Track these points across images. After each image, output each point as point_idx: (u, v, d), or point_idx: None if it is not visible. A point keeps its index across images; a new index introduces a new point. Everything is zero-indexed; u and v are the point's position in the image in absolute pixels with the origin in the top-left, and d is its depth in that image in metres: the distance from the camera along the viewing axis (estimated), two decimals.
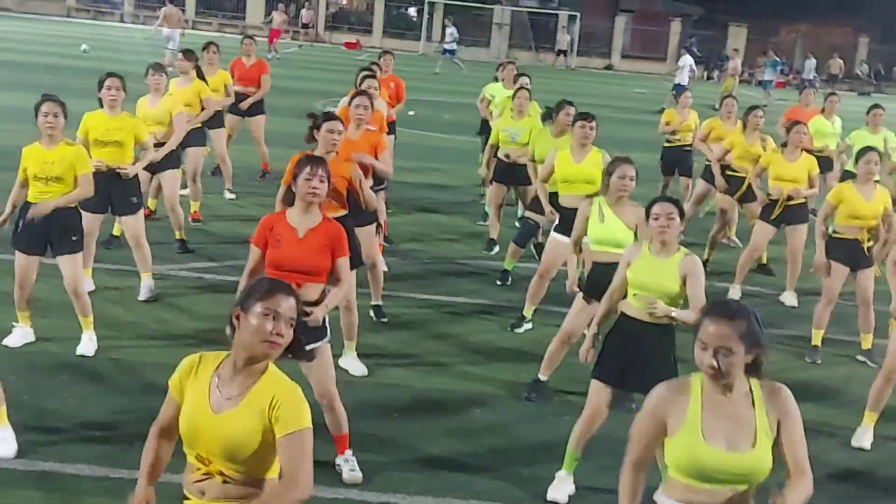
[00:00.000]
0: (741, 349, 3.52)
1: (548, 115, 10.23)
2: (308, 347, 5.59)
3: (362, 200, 7.18)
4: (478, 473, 6.18)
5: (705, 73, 50.73)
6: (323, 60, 37.65)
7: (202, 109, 11.17)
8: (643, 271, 5.60)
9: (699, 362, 3.56)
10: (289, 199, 5.77)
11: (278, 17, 38.62)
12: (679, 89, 14.37)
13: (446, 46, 35.91)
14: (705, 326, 3.55)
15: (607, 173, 6.83)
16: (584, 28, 52.04)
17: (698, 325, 3.60)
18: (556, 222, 8.36)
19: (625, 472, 3.78)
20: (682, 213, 5.61)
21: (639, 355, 5.62)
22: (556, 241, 8.33)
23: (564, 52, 48.82)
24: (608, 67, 51.69)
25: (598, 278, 6.56)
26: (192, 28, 45.20)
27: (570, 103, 9.60)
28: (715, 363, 3.50)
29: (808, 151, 13.55)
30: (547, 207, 8.67)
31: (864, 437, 6.98)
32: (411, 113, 22.19)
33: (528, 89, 11.31)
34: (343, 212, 7.08)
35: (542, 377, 7.35)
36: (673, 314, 5.54)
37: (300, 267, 5.51)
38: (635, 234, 6.67)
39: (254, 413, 3.47)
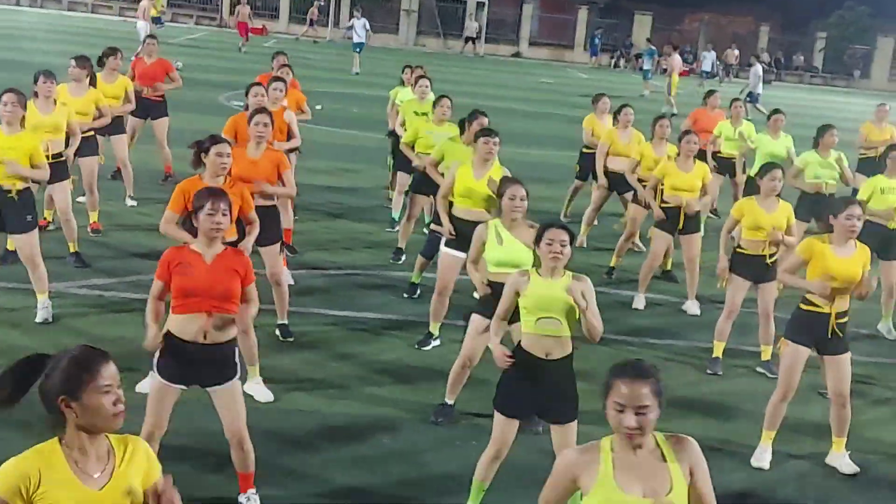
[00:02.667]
0: (655, 405, 3.62)
1: (462, 125, 10.16)
2: (220, 386, 5.55)
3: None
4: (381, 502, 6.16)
5: (612, 62, 51.36)
6: (227, 48, 37.03)
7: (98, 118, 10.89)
8: (539, 293, 5.63)
9: (616, 424, 3.63)
10: (193, 231, 5.68)
11: (243, 9, 37.82)
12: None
13: (356, 40, 35.01)
14: (618, 388, 3.62)
15: (499, 195, 6.90)
16: (492, 15, 52.21)
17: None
18: (449, 236, 8.38)
19: None
20: (573, 240, 5.69)
21: (541, 387, 5.65)
22: (449, 256, 8.33)
23: (473, 40, 48.92)
24: (516, 55, 51.93)
25: (499, 299, 6.54)
26: (171, 20, 44.39)
27: (483, 114, 9.58)
28: (634, 423, 3.58)
29: (716, 154, 13.89)
30: (447, 226, 8.47)
31: (762, 457, 7.11)
32: (318, 107, 21.97)
33: (450, 98, 11.21)
34: (235, 236, 7.00)
35: (449, 401, 7.34)
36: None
37: (212, 292, 5.46)
38: (534, 253, 6.71)
39: (129, 471, 3.48)
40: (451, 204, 8.56)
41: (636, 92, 33.82)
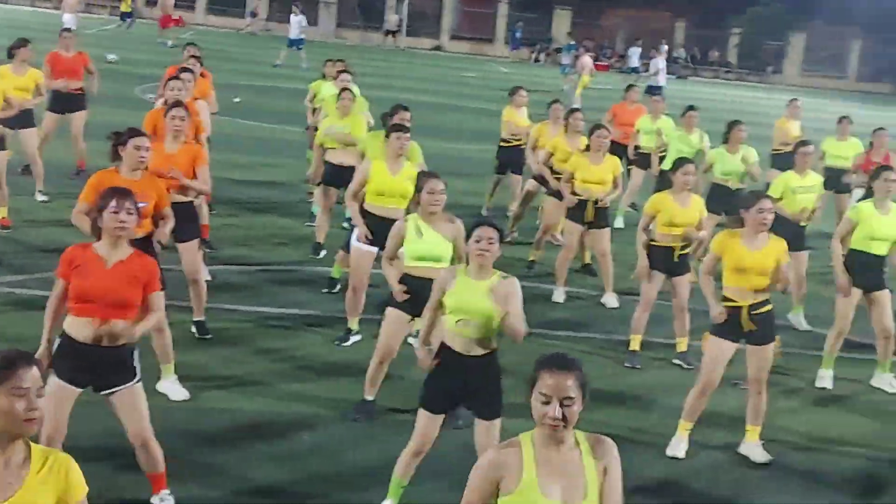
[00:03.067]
0: (579, 398, 3.63)
1: (384, 119, 10.10)
2: (115, 390, 5.41)
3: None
4: (305, 502, 6.11)
5: (533, 57, 51.69)
6: (144, 40, 36.38)
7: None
8: (462, 295, 5.63)
9: (540, 416, 3.62)
10: (96, 231, 5.50)
11: (167, 1, 37.03)
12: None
13: (292, 37, 34.36)
14: (544, 379, 3.62)
15: (417, 189, 6.92)
16: (413, 8, 52.12)
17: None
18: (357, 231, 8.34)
19: None
20: (501, 238, 5.68)
21: (466, 385, 5.66)
22: (360, 251, 8.32)
23: (393, 33, 48.82)
24: (437, 48, 51.96)
25: (418, 292, 6.53)
26: (85, 11, 43.33)
27: (405, 108, 9.56)
28: (559, 414, 3.58)
29: (638, 149, 14.05)
30: (362, 228, 8.32)
31: (678, 447, 7.21)
32: (237, 100, 21.75)
33: (351, 90, 11.24)
34: (150, 231, 6.88)
35: (368, 397, 7.31)
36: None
37: (107, 298, 5.29)
38: (454, 248, 6.73)
39: (40, 486, 3.39)
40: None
41: (557, 86, 34.06)
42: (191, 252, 8.05)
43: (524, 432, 3.74)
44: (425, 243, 6.85)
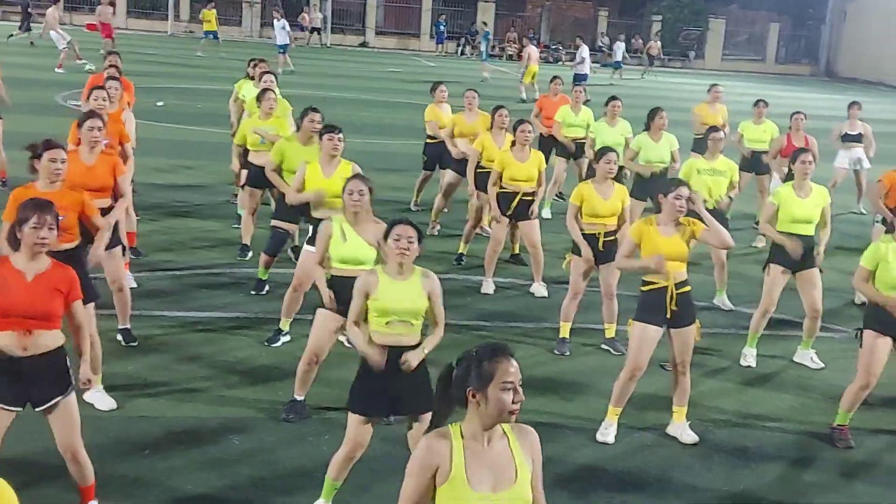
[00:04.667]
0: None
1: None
2: (53, 403, 5.35)
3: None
4: None
5: (458, 50, 51.73)
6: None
7: None
8: (388, 297, 5.64)
9: (503, 404, 3.61)
10: (15, 244, 5.40)
11: (105, 8, 36.16)
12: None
13: (278, 42, 33.79)
14: (504, 367, 3.63)
15: (341, 190, 6.88)
16: (338, 5, 51.86)
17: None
18: (310, 234, 8.30)
19: None
20: (420, 237, 5.70)
21: (395, 385, 5.66)
22: (308, 252, 8.27)
23: (318, 30, 48.50)
24: (363, 45, 51.76)
25: (343, 293, 6.50)
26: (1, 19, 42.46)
27: (315, 110, 9.48)
28: (522, 397, 3.64)
29: (554, 139, 14.18)
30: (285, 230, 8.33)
31: (607, 432, 7.31)
32: (160, 104, 21.50)
33: (273, 90, 11.18)
34: (75, 242, 6.79)
35: (299, 397, 7.29)
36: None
37: (29, 312, 5.23)
38: (378, 251, 6.72)
39: None
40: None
41: (479, 77, 34.22)
42: (113, 261, 7.94)
43: (452, 423, 3.75)
44: (349, 247, 6.83)
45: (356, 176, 6.97)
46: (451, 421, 3.78)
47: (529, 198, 10.33)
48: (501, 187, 10.33)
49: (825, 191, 8.98)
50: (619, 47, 41.23)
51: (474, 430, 3.68)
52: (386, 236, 5.68)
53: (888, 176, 10.74)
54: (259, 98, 10.94)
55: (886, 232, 7.58)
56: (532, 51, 31.69)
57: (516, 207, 10.29)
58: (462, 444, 3.67)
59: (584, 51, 31.30)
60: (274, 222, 9.61)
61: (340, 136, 8.28)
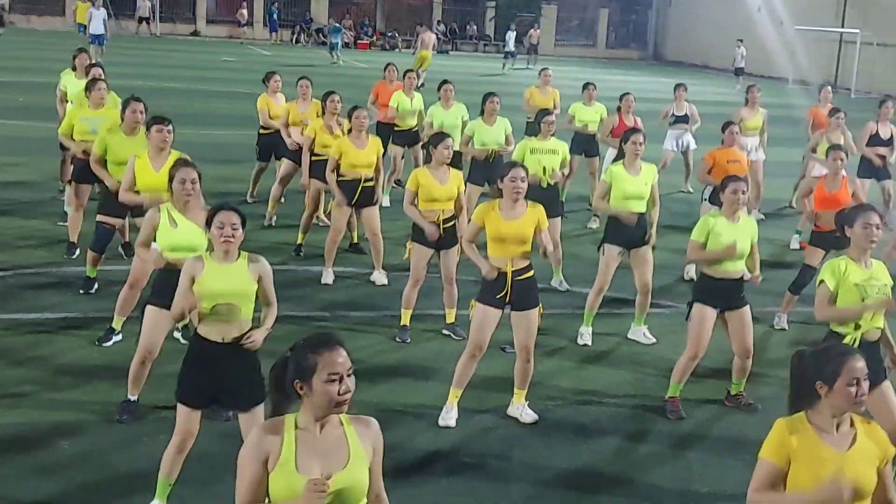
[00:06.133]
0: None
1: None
2: None
3: None
4: None
5: (293, 38, 51.18)
6: None
7: None
8: (215, 281, 5.54)
9: (331, 395, 3.59)
10: None
11: None
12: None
13: (93, 32, 32.26)
14: (329, 358, 3.60)
15: (169, 179, 6.77)
16: None
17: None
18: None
19: None
20: (244, 223, 5.64)
21: (224, 377, 5.57)
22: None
23: (147, 20, 47.14)
24: (195, 34, 50.61)
25: (175, 284, 6.33)
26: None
27: (138, 99, 9.18)
28: (352, 386, 3.62)
29: (394, 126, 14.17)
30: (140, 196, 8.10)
31: (448, 416, 7.36)
32: None
33: (105, 80, 10.79)
34: None
35: (132, 397, 7.07)
36: None
37: None
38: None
39: None
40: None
41: (321, 65, 33.96)
42: None
43: (289, 414, 3.72)
44: (179, 234, 6.73)
45: (186, 163, 6.82)
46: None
47: (370, 184, 10.30)
48: (340, 175, 10.26)
49: (654, 168, 9.30)
50: (511, 37, 41.90)
51: (307, 421, 3.66)
52: (209, 223, 5.58)
53: (712, 154, 11.19)
54: (88, 88, 10.51)
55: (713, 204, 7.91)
56: (428, 37, 32.07)
57: (360, 195, 10.25)
58: (294, 433, 3.65)
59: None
60: (99, 217, 9.24)
61: (170, 127, 8.07)
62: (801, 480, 3.93)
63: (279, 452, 3.61)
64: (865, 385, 3.99)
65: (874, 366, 6.18)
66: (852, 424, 4.07)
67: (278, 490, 3.61)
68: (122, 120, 9.15)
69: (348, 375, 3.63)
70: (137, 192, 8.15)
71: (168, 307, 6.66)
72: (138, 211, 8.18)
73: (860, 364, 4.00)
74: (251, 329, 5.64)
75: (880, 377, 6.35)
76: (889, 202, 13.12)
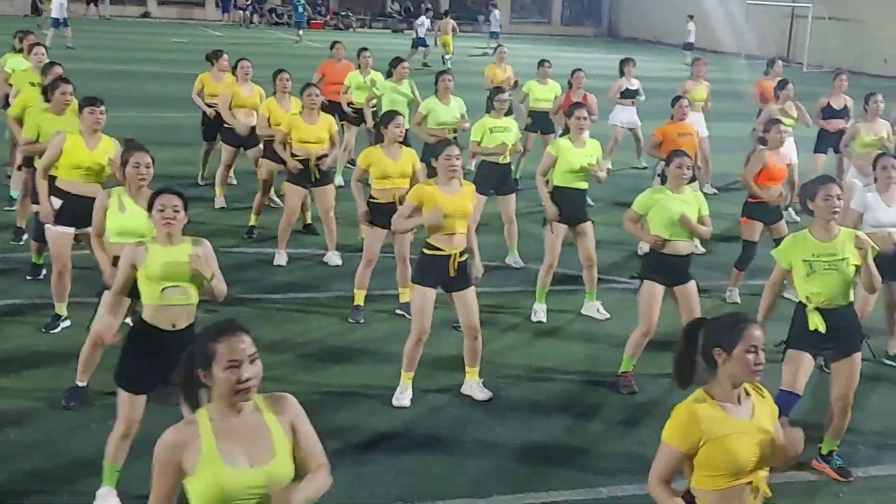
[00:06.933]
0: (257, 354, 3.58)
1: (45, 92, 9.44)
2: None
3: None
4: (15, 501, 5.76)
5: (246, 19, 50.64)
6: None
7: None
8: (159, 263, 5.46)
9: (231, 382, 3.51)
10: None
11: None
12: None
13: (55, 16, 31.66)
14: (232, 344, 3.53)
15: (123, 163, 6.67)
16: None
17: None
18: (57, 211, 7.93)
19: None
20: (186, 205, 5.58)
21: (165, 360, 5.48)
22: (56, 234, 7.94)
23: (95, 2, 46.47)
24: (145, 15, 49.96)
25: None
26: None
27: (66, 81, 8.99)
28: (253, 372, 3.53)
29: (351, 104, 14.05)
30: (45, 206, 7.94)
31: (402, 397, 7.34)
32: None
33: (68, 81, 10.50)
34: None
35: (81, 383, 6.98)
36: None
37: None
38: None
39: None
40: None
41: (278, 46, 33.67)
42: None
43: (199, 409, 3.62)
44: (128, 218, 6.62)
45: (140, 148, 6.69)
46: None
47: (323, 162, 10.27)
48: (293, 154, 10.19)
49: (598, 145, 9.35)
50: (496, 16, 42.05)
51: (220, 411, 3.58)
52: (150, 207, 5.51)
53: (661, 130, 11.22)
54: (52, 89, 9.94)
55: (662, 183, 7.93)
56: (445, 23, 33.92)
57: (313, 174, 10.18)
58: (210, 425, 3.55)
59: (424, 19, 32.57)
60: (35, 207, 9.04)
61: (102, 108, 7.92)
62: (713, 456, 3.92)
63: (199, 448, 3.50)
64: (762, 355, 3.98)
65: (848, 334, 6.30)
66: (748, 393, 4.07)
67: (204, 488, 3.47)
68: (48, 99, 8.94)
69: (251, 362, 3.54)
70: (56, 169, 7.95)
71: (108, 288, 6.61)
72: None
73: (759, 332, 3.99)
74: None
75: (854, 346, 6.41)
76: (842, 174, 13.23)
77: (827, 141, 13.61)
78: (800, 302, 6.42)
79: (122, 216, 6.62)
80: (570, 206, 9.11)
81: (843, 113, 13.62)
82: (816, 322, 6.22)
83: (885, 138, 11.65)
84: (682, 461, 4.00)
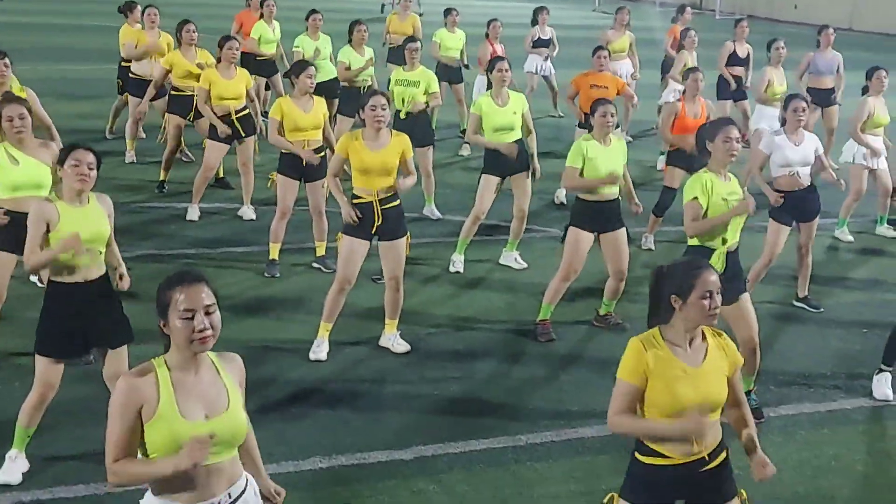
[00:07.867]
0: (216, 306, 3.53)
1: None
2: None
3: None
4: None
5: None
6: None
7: None
8: (74, 224, 5.27)
9: (186, 332, 3.44)
10: None
11: None
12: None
13: None
14: (189, 293, 3.47)
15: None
16: None
17: None
18: None
19: (114, 478, 3.47)
20: (99, 163, 5.38)
21: (91, 317, 5.37)
22: None
23: None
24: None
25: (22, 226, 5.93)
26: None
27: None
28: (207, 323, 3.46)
29: (259, 57, 13.78)
30: None
31: (319, 350, 7.25)
32: None
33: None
34: None
35: None
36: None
37: None
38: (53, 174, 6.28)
39: None
40: None
41: None
42: None
43: (156, 357, 3.56)
44: (22, 171, 6.43)
45: (12, 100, 6.48)
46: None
47: (244, 114, 10.08)
48: (212, 111, 9.98)
49: (522, 97, 9.22)
50: None
51: (178, 361, 3.52)
52: (62, 162, 5.29)
53: (576, 80, 11.18)
54: None
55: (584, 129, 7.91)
56: None
57: (234, 128, 10.02)
58: (169, 375, 3.49)
59: None
60: None
61: (6, 61, 7.63)
62: (657, 397, 3.96)
63: (157, 398, 3.44)
64: (718, 299, 4.02)
65: (735, 277, 6.32)
66: (704, 338, 4.10)
67: (158, 440, 3.43)
68: None
69: (208, 313, 3.47)
70: None
71: (8, 249, 6.39)
72: None
73: (713, 277, 4.02)
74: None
75: (740, 288, 6.46)
76: (747, 122, 13.38)
77: (728, 88, 13.73)
78: (700, 245, 6.36)
79: (16, 169, 6.43)
80: (501, 158, 8.97)
81: (745, 61, 13.79)
82: (719, 264, 6.21)
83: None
84: (636, 396, 3.99)
